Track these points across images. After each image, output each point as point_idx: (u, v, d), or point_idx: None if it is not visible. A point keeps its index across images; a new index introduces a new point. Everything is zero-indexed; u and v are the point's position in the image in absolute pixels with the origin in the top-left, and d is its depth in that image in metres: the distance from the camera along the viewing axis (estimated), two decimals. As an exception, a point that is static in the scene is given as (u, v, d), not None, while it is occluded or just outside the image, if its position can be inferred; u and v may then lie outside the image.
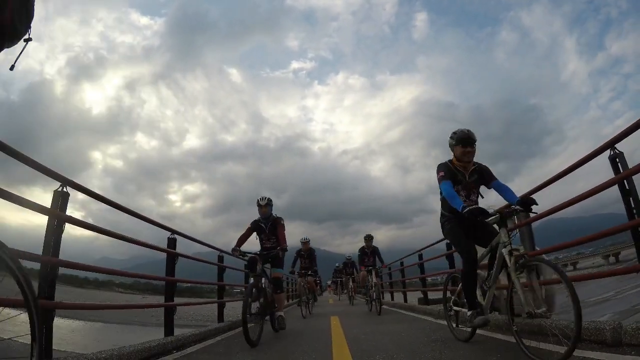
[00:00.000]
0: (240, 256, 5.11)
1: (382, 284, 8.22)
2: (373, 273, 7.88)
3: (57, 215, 2.60)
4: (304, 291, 8.68)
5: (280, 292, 5.05)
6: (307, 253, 9.58)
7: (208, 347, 3.90)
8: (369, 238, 9.28)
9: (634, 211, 2.60)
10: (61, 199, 2.66)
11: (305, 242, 9.58)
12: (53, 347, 2.60)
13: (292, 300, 14.17)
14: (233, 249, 4.94)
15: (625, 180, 2.66)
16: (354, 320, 6.46)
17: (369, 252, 9.19)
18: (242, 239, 5.05)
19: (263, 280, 4.53)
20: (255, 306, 4.29)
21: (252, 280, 4.43)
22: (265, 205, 5.13)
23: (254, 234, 5.16)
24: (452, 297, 3.54)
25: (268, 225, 5.12)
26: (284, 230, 5.06)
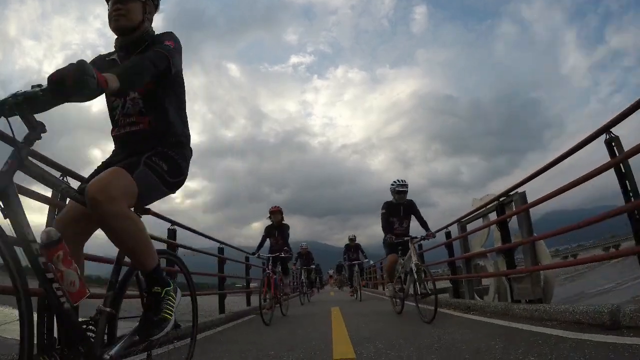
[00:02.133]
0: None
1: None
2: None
3: (58, 205, 2.61)
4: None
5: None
6: (279, 228, 6.24)
7: (210, 337, 3.86)
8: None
9: (630, 194, 2.61)
10: (61, 189, 2.67)
11: (276, 211, 6.21)
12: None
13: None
14: None
15: (621, 164, 2.67)
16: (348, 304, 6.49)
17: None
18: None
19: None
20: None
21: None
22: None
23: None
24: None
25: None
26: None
